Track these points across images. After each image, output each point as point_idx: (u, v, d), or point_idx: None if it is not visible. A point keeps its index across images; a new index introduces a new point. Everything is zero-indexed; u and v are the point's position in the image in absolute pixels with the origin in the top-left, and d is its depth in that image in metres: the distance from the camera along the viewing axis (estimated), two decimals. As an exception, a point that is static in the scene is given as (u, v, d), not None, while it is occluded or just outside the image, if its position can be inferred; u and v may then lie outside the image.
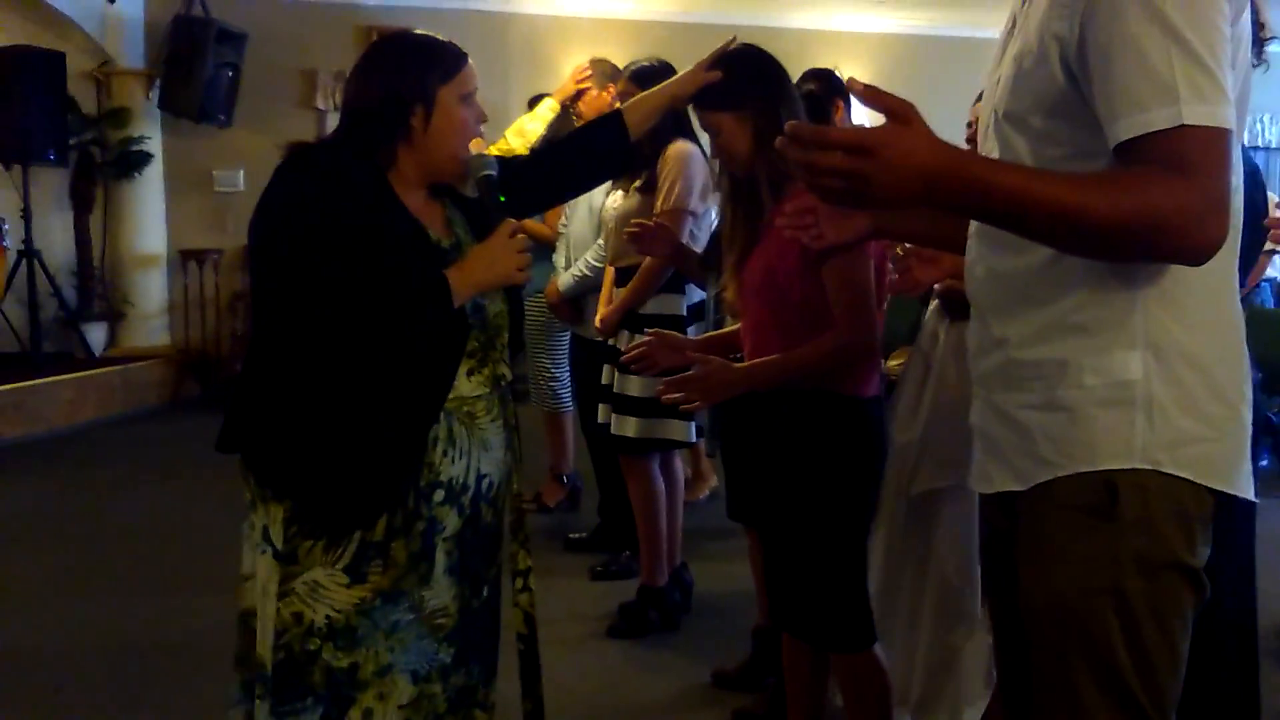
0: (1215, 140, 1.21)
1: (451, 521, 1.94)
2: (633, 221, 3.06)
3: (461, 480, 1.95)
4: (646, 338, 2.47)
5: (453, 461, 1.93)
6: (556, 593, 3.80)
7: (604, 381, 3.63)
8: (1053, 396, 1.39)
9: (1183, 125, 1.20)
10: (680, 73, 2.33)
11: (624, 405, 3.48)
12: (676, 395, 2.25)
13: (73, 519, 4.80)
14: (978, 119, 2.43)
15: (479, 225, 2.01)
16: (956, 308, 2.22)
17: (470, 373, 1.96)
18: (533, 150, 2.38)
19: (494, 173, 1.98)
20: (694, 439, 3.58)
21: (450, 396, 1.92)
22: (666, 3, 7.69)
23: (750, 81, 2.27)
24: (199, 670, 3.17)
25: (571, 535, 4.39)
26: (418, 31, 1.96)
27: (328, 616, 1.87)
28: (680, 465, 3.78)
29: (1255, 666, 2.48)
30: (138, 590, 3.91)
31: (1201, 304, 1.35)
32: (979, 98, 2.43)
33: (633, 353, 2.47)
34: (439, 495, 1.92)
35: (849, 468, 2.25)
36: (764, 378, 2.23)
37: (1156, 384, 1.34)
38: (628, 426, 3.48)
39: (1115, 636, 1.35)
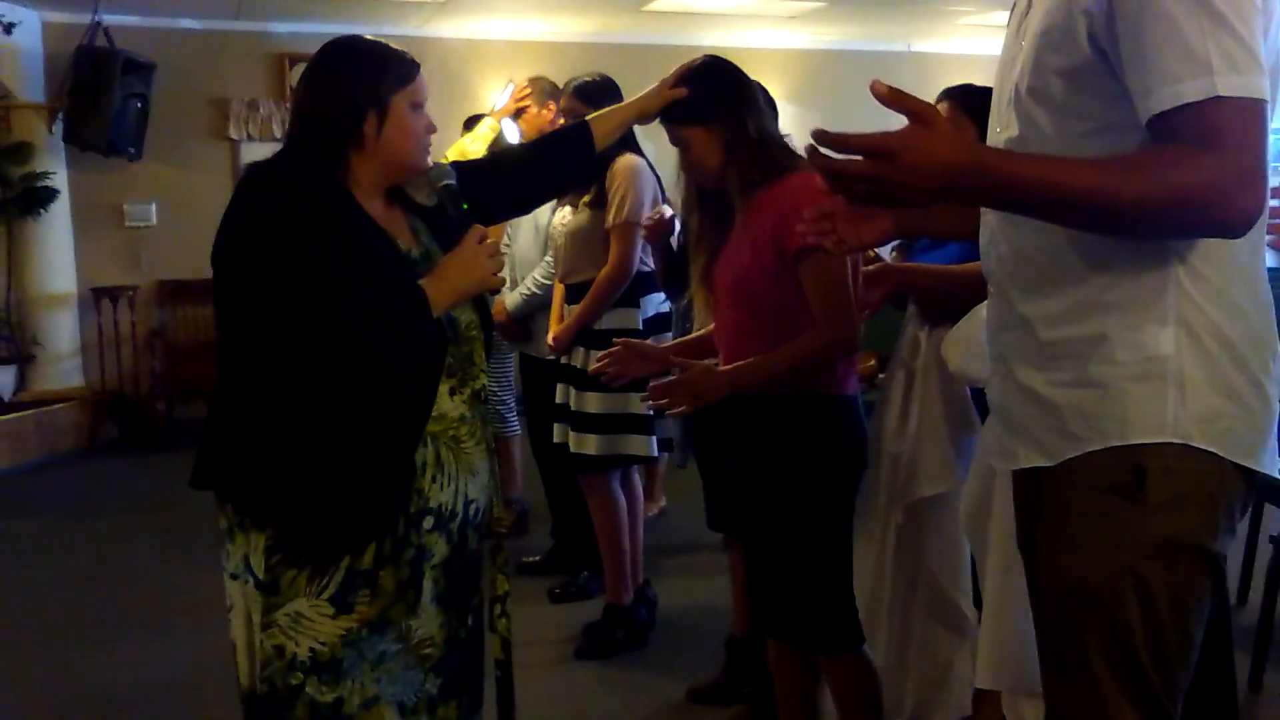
0: (1249, 111, 1.21)
1: (440, 549, 1.91)
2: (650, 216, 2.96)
3: (450, 507, 1.92)
4: (614, 348, 2.45)
5: (441, 488, 1.90)
6: (517, 617, 3.62)
7: (559, 400, 3.59)
8: (1084, 373, 1.39)
9: (1217, 96, 1.20)
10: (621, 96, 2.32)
11: (583, 423, 3.45)
12: (662, 401, 2.23)
13: (-5, 572, 4.58)
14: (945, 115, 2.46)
15: (441, 232, 1.98)
16: (934, 314, 2.24)
17: (452, 391, 1.92)
18: (493, 155, 2.33)
19: (453, 182, 1.97)
20: (655, 453, 3.55)
21: (434, 418, 1.88)
22: (580, 24, 7.70)
23: (716, 94, 2.28)
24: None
25: (525, 559, 4.32)
26: (370, 37, 1.94)
27: (311, 649, 1.82)
28: (639, 481, 3.75)
29: (1229, 655, 2.52)
30: (79, 644, 3.73)
31: (1230, 282, 1.36)
32: (940, 96, 2.45)
33: (601, 363, 2.45)
34: (428, 522, 1.89)
35: (831, 466, 2.26)
36: (749, 380, 2.23)
37: (1187, 359, 1.35)
38: (588, 444, 3.44)
39: (1134, 619, 1.36)
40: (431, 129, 1.93)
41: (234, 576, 1.88)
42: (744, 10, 7.35)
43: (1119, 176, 1.24)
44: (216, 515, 1.89)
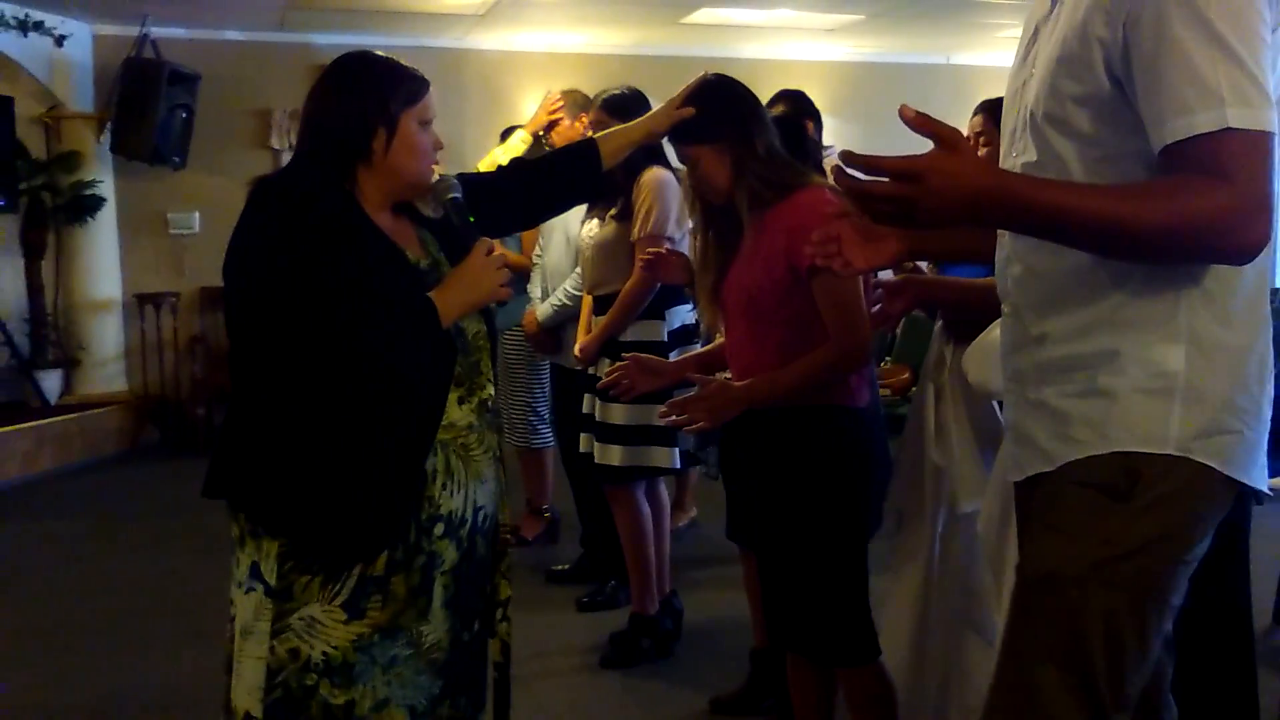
0: (1258, 143, 1.26)
1: (450, 555, 1.94)
2: (647, 250, 3.06)
3: (460, 513, 1.95)
4: (623, 362, 2.48)
5: (451, 495, 1.93)
6: (544, 625, 3.76)
7: (585, 410, 3.61)
8: (1094, 384, 1.43)
9: (1227, 128, 1.25)
10: (653, 108, 2.34)
11: (607, 434, 3.46)
12: (682, 418, 2.25)
13: (36, 573, 4.67)
14: (974, 133, 2.47)
15: (449, 244, 2.01)
16: (958, 326, 2.24)
17: (460, 400, 1.95)
18: (500, 169, 2.36)
19: (459, 195, 1.99)
20: (679, 465, 3.56)
21: (444, 426, 1.91)
22: (620, 36, 7.74)
23: (723, 112, 2.30)
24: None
25: (554, 568, 4.35)
26: (380, 54, 1.96)
27: (324, 653, 1.85)
28: (665, 492, 3.76)
29: (1253, 667, 2.50)
30: (113, 644, 3.80)
31: (1237, 302, 1.41)
32: (976, 110, 2.46)
33: (610, 378, 2.47)
34: (439, 529, 1.92)
35: (844, 478, 2.27)
36: (763, 394, 2.25)
37: (1195, 376, 1.39)
38: (612, 455, 3.46)
39: (1096, 615, 1.39)
40: (439, 146, 1.96)
41: (239, 585, 1.90)
42: (783, 23, 7.35)
43: (1135, 204, 1.28)
44: (229, 524, 1.91)
